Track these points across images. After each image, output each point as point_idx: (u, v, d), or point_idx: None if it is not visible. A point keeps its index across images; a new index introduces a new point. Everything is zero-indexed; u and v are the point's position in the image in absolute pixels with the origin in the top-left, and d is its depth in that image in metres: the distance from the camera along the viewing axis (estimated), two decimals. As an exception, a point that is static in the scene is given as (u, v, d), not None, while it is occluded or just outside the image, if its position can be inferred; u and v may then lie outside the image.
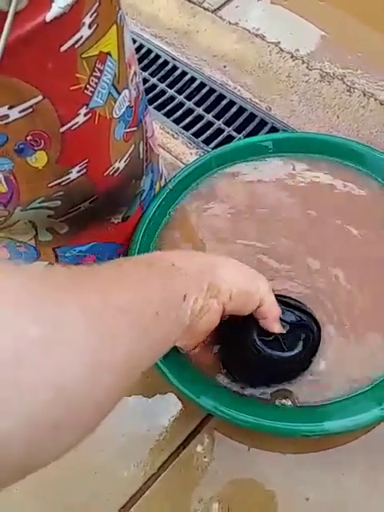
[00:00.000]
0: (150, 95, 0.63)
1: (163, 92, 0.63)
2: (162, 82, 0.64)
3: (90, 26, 0.30)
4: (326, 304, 0.41)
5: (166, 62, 0.66)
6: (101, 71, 0.33)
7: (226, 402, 0.38)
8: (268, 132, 0.57)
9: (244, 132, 0.58)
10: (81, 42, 0.30)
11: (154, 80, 0.64)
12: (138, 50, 0.68)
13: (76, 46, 0.30)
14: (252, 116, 0.59)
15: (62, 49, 0.29)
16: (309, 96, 0.60)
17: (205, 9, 0.70)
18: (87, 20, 0.30)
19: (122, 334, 0.22)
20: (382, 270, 0.42)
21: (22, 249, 0.41)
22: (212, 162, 0.48)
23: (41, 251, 0.42)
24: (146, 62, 0.66)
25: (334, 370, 0.39)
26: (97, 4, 0.30)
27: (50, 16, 0.27)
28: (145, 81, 0.65)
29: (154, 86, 0.64)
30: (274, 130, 0.58)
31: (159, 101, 0.62)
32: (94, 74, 0.32)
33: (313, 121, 0.58)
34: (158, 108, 0.62)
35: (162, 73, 0.65)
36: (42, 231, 0.39)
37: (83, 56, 0.31)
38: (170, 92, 0.63)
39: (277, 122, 0.58)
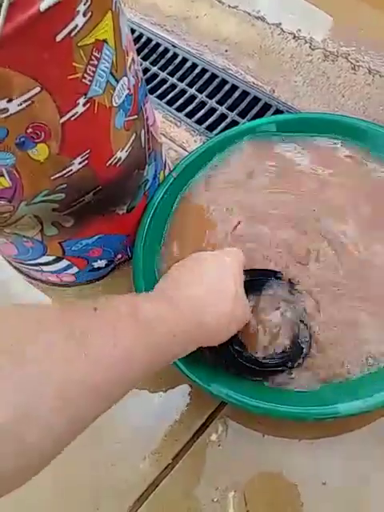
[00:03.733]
0: (152, 84, 0.62)
1: (164, 80, 0.63)
2: (163, 71, 0.63)
3: (84, 14, 0.30)
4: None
5: (166, 50, 0.65)
6: (98, 59, 0.32)
7: (238, 389, 0.37)
8: (273, 114, 0.57)
9: (248, 116, 0.57)
10: (76, 30, 0.29)
11: (155, 69, 0.64)
12: (137, 39, 0.67)
13: (71, 34, 0.29)
14: (256, 99, 0.58)
15: (58, 38, 0.29)
16: (313, 76, 0.59)
17: (203, -7, 0.69)
18: (81, 8, 0.29)
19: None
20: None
21: (29, 244, 0.41)
22: (215, 147, 0.48)
23: (47, 245, 0.42)
24: (146, 50, 0.66)
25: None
26: (91, -8, 0.30)
27: (43, 6, 0.27)
28: (146, 70, 0.64)
29: (155, 75, 0.63)
30: (278, 112, 0.57)
31: (161, 89, 0.62)
32: (91, 62, 0.32)
33: (318, 101, 0.57)
34: (160, 97, 0.61)
35: (163, 61, 0.64)
36: (48, 225, 0.39)
37: (79, 44, 0.30)
38: (172, 80, 0.62)
39: (281, 104, 0.57)
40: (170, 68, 0.63)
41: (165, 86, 0.62)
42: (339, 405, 0.35)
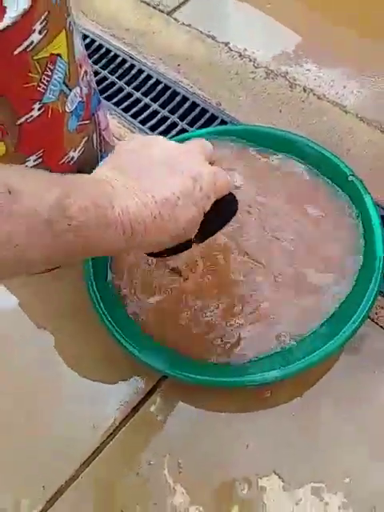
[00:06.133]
0: (109, 92, 0.67)
1: (121, 89, 0.68)
2: (120, 80, 0.68)
3: (40, 32, 0.34)
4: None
5: (123, 61, 0.70)
6: (52, 71, 0.37)
7: (176, 364, 0.43)
8: (218, 125, 0.62)
9: (196, 125, 0.63)
10: (32, 46, 0.34)
11: (112, 78, 0.69)
12: (97, 49, 0.72)
13: (28, 49, 0.34)
14: (203, 111, 0.64)
15: (15, 52, 0.33)
16: (255, 92, 0.65)
17: (160, 11, 0.75)
18: (38, 27, 0.34)
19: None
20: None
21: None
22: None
23: None
24: (105, 61, 0.70)
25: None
26: (46, 13, 0.34)
27: (2, 25, 0.31)
28: (104, 79, 0.69)
29: (112, 84, 0.68)
30: (223, 123, 0.63)
31: (118, 97, 0.67)
32: (46, 73, 0.36)
33: (257, 114, 0.63)
34: (117, 104, 0.66)
35: (121, 71, 0.69)
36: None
37: (35, 58, 0.35)
38: (128, 89, 0.67)
39: (226, 116, 0.63)
40: (127, 78, 0.68)
41: (121, 95, 0.67)
42: (257, 375, 0.40)
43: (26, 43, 0.34)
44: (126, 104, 0.66)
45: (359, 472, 0.41)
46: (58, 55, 0.37)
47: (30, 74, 0.35)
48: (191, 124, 0.63)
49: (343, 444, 0.42)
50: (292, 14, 0.73)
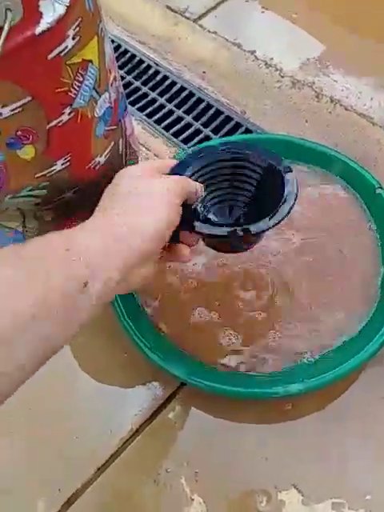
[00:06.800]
0: (134, 97, 0.68)
1: (146, 95, 0.68)
2: (145, 86, 0.69)
3: (73, 38, 0.35)
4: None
5: (149, 67, 0.70)
6: (83, 76, 0.37)
7: (196, 372, 0.43)
8: (242, 133, 0.62)
9: (220, 133, 0.63)
10: (65, 51, 0.34)
11: (137, 83, 0.69)
12: (123, 54, 0.72)
13: (61, 54, 0.34)
14: (228, 118, 0.64)
15: (49, 57, 0.33)
16: (280, 101, 0.65)
17: (187, 18, 0.75)
18: (71, 32, 0.34)
19: None
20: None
21: (11, 235, 0.46)
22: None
23: (27, 237, 0.46)
24: (130, 66, 0.71)
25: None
26: (80, 19, 0.35)
27: (39, 30, 0.31)
28: (129, 84, 0.69)
29: (137, 89, 0.69)
30: (248, 131, 0.63)
31: (142, 102, 0.67)
32: (77, 78, 0.37)
33: (283, 124, 0.63)
34: (141, 109, 0.66)
35: (145, 77, 0.69)
36: (29, 218, 0.44)
37: (67, 63, 0.35)
38: (153, 95, 0.68)
39: (250, 124, 0.63)
40: (152, 84, 0.69)
41: (146, 100, 0.67)
42: (279, 387, 0.40)
43: (59, 48, 0.34)
44: (150, 110, 0.66)
45: (381, 490, 0.40)
46: (90, 61, 0.37)
47: (62, 79, 0.35)
48: (215, 131, 0.63)
49: (364, 460, 0.41)
50: (318, 23, 0.72)
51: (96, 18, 0.38)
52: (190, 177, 0.38)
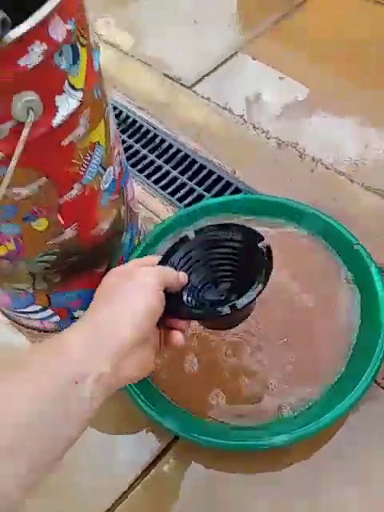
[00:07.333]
0: (134, 160, 0.73)
1: (145, 157, 0.73)
2: (144, 148, 0.74)
3: (84, 126, 0.40)
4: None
5: (147, 131, 0.76)
6: (91, 156, 0.42)
7: (188, 425, 0.45)
8: (233, 192, 0.67)
9: (212, 191, 0.68)
10: (77, 138, 0.39)
11: (137, 146, 0.75)
12: (124, 119, 0.78)
13: (73, 140, 0.39)
14: (219, 178, 0.69)
15: (63, 143, 0.38)
16: (267, 161, 0.71)
17: (182, 85, 0.82)
18: (82, 121, 0.39)
19: None
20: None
21: (22, 295, 0.49)
22: (182, 218, 0.58)
23: (36, 297, 0.50)
24: (130, 130, 0.77)
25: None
26: (89, 108, 0.40)
27: (55, 123, 0.36)
28: (129, 147, 0.75)
29: (137, 152, 0.74)
30: (237, 190, 0.68)
31: (141, 164, 0.72)
32: (86, 158, 0.41)
33: (269, 182, 0.68)
34: (140, 171, 0.72)
35: (144, 140, 0.75)
36: (39, 280, 0.47)
37: (78, 147, 0.40)
38: (151, 157, 0.73)
39: (240, 183, 0.68)
40: (150, 146, 0.74)
41: (145, 162, 0.73)
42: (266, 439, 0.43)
43: (72, 136, 0.39)
44: (148, 171, 0.72)
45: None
46: (97, 142, 0.42)
47: (73, 161, 0.40)
48: (208, 190, 0.68)
49: (348, 507, 0.44)
50: (305, 86, 0.79)
51: (103, 103, 0.43)
52: (173, 267, 0.40)
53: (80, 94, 0.37)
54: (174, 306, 0.37)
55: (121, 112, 0.79)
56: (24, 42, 0.31)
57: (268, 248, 0.39)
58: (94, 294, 0.38)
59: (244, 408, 0.47)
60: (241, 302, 0.36)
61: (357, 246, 0.53)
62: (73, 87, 0.37)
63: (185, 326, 0.38)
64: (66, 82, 0.36)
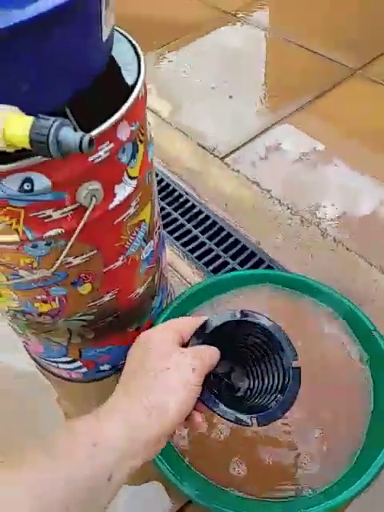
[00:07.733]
0: (165, 221, 0.79)
1: (176, 220, 0.79)
2: (175, 212, 0.80)
3: (134, 207, 0.45)
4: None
5: (180, 196, 0.82)
6: (137, 232, 0.47)
7: (205, 491, 0.48)
8: (256, 262, 0.72)
9: (237, 259, 0.73)
10: (127, 217, 0.44)
11: (169, 209, 0.80)
12: (158, 182, 0.85)
13: (124, 219, 0.44)
14: (244, 247, 0.74)
15: (115, 222, 0.43)
16: (290, 236, 0.75)
17: (215, 155, 0.89)
18: (133, 203, 0.45)
19: None
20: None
21: (56, 347, 0.53)
22: (208, 288, 0.62)
23: (69, 350, 0.54)
24: (164, 193, 0.83)
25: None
26: (140, 193, 0.45)
27: (112, 206, 0.41)
28: (162, 209, 0.81)
29: (168, 214, 0.80)
30: (261, 261, 0.72)
31: (172, 226, 0.78)
32: (132, 234, 0.46)
33: (292, 257, 0.72)
34: (171, 233, 0.77)
35: (176, 204, 0.81)
36: (75, 336, 0.51)
37: (127, 224, 0.45)
38: (181, 220, 0.79)
39: (263, 254, 0.73)
40: (181, 210, 0.80)
41: (175, 225, 0.78)
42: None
43: (123, 216, 0.44)
44: (178, 233, 0.77)
45: None
46: (143, 221, 0.47)
47: (121, 237, 0.45)
48: (233, 257, 0.73)
49: None
50: (331, 169, 0.85)
51: (151, 186, 0.49)
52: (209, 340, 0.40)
53: (135, 182, 0.43)
54: (205, 398, 0.37)
55: (156, 174, 0.86)
56: (96, 143, 0.37)
57: (299, 370, 0.39)
58: (128, 356, 0.39)
59: (264, 482, 0.49)
60: (266, 421, 0.37)
61: (374, 332, 0.56)
62: (130, 177, 0.42)
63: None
64: (125, 173, 0.41)
